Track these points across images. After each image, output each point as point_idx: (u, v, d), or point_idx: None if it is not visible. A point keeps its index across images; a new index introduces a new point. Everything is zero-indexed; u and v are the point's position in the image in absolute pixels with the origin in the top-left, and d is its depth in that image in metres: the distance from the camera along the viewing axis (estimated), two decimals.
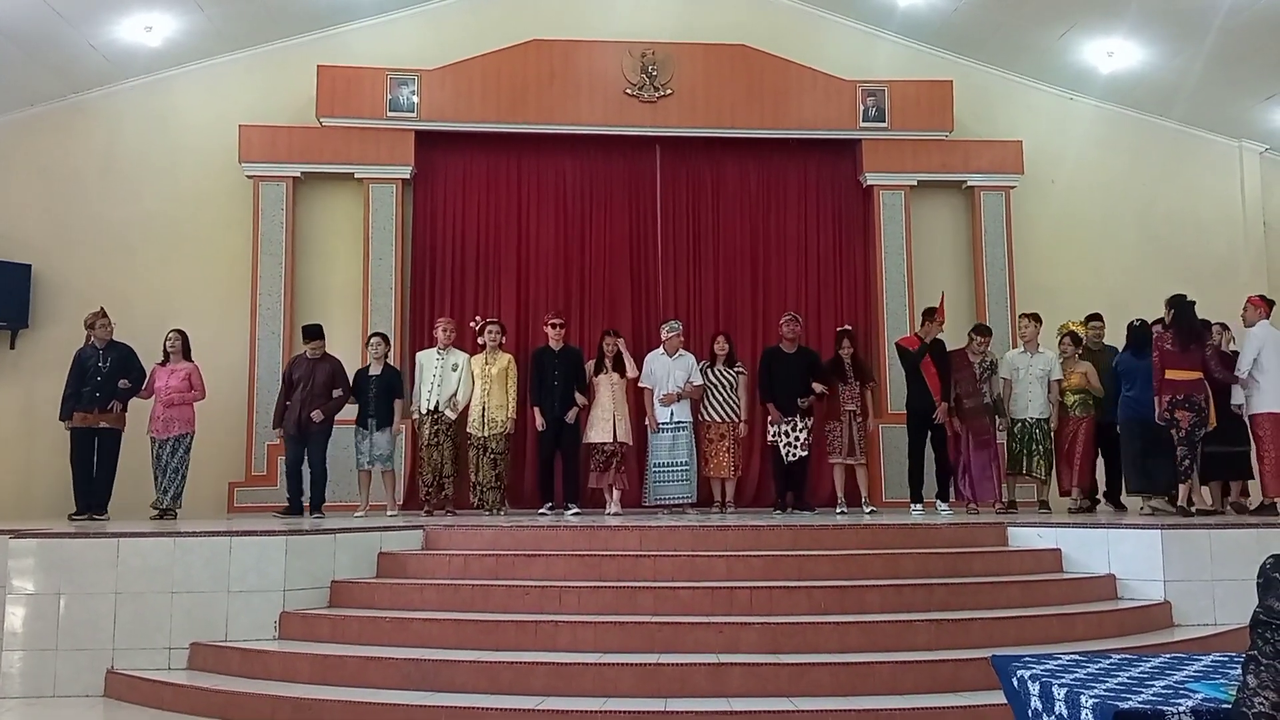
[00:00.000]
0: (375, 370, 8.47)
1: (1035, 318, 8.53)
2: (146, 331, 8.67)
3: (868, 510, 8.28)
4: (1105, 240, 10.65)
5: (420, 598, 5.80)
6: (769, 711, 4.52)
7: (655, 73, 10.07)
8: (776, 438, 8.43)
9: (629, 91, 10.06)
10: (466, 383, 8.48)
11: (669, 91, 10.08)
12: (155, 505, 8.03)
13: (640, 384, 8.70)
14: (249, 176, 9.75)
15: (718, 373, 8.64)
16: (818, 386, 8.35)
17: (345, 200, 9.99)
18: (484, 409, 8.38)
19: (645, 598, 5.57)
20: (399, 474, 8.85)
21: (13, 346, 9.48)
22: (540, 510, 8.40)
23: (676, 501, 8.52)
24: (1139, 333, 7.96)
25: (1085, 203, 10.73)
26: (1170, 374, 7.41)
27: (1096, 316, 8.77)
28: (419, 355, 8.72)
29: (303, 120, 9.91)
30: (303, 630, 5.65)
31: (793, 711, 4.52)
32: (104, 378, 8.03)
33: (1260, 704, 1.66)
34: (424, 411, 8.39)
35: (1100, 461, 8.51)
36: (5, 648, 5.64)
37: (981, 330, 8.54)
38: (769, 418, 8.48)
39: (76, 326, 8.49)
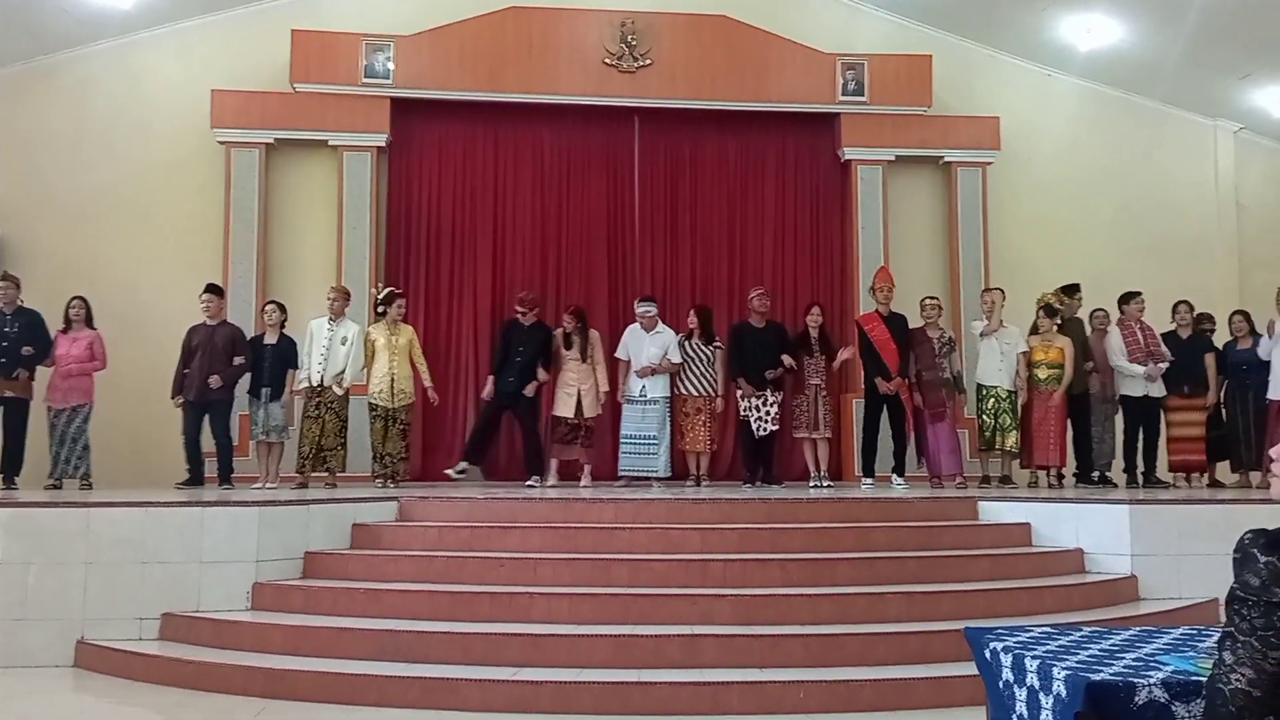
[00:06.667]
0: (270, 339, 8.23)
1: (1000, 291, 8.59)
2: (116, 299, 8.55)
3: (825, 484, 8.32)
4: (1080, 218, 10.69)
5: (394, 569, 5.78)
6: (742, 682, 4.56)
7: (635, 43, 9.98)
8: (747, 412, 8.44)
9: (608, 61, 9.97)
10: (356, 359, 8.21)
11: (648, 62, 10.00)
12: (50, 476, 7.88)
13: (615, 355, 8.70)
14: (221, 142, 9.61)
15: (694, 346, 8.63)
16: (786, 359, 8.35)
17: (319, 168, 9.86)
18: (393, 380, 8.17)
19: (620, 570, 5.58)
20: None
21: None
22: (448, 471, 8.40)
23: (643, 475, 8.52)
24: None
25: (1061, 180, 10.76)
26: None
27: (1077, 287, 8.80)
28: (311, 323, 8.36)
29: (276, 86, 9.76)
30: (276, 601, 5.62)
31: (765, 682, 4.56)
32: (9, 344, 7.83)
33: (1236, 680, 1.68)
34: (312, 384, 8.11)
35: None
36: None
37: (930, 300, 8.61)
38: (739, 392, 8.48)
39: (44, 293, 8.34)
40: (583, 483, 8.38)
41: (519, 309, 8.62)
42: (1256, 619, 1.70)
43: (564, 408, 8.42)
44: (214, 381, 7.89)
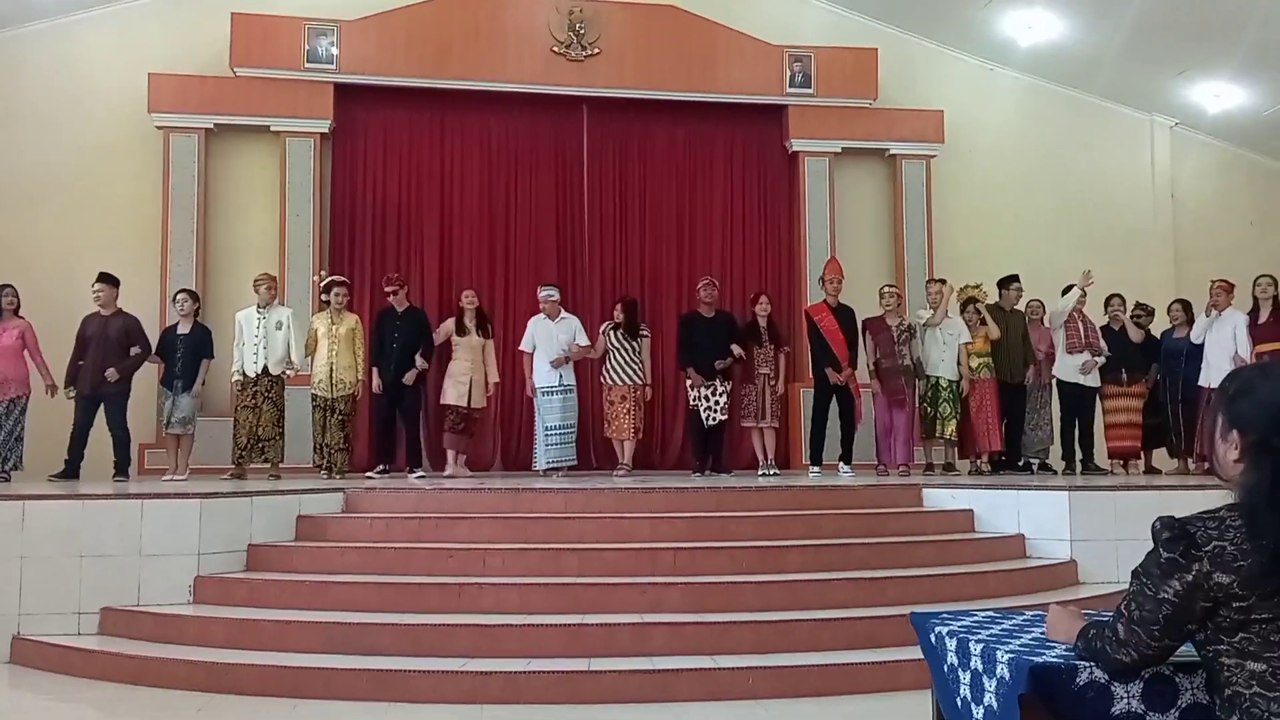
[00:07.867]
0: (184, 329, 8.02)
1: (942, 282, 8.73)
2: (50, 285, 8.31)
3: (773, 472, 8.38)
4: (1021, 210, 10.90)
5: (341, 561, 5.71)
6: (691, 669, 4.58)
7: (583, 31, 9.94)
8: (697, 402, 8.46)
9: (556, 50, 9.92)
10: (298, 342, 8.09)
11: (596, 51, 9.97)
12: None
13: (520, 348, 8.63)
14: (159, 127, 9.40)
15: (618, 338, 8.58)
16: (736, 349, 8.39)
17: (261, 154, 9.70)
18: (332, 369, 8.01)
19: (570, 559, 5.57)
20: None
21: None
22: (369, 474, 8.14)
23: (567, 464, 8.48)
24: None
25: (1003, 172, 10.95)
26: (1260, 347, 7.92)
27: (1015, 278, 8.97)
28: (238, 315, 8.19)
29: (216, 69, 9.57)
30: (219, 594, 5.52)
31: (714, 669, 4.59)
32: None
33: (1121, 657, 1.91)
34: (248, 375, 7.93)
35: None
36: None
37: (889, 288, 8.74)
38: (689, 382, 8.50)
39: None
40: (448, 472, 8.29)
41: (387, 289, 8.45)
42: (1148, 610, 1.83)
43: (456, 395, 8.25)
44: (110, 375, 7.67)
